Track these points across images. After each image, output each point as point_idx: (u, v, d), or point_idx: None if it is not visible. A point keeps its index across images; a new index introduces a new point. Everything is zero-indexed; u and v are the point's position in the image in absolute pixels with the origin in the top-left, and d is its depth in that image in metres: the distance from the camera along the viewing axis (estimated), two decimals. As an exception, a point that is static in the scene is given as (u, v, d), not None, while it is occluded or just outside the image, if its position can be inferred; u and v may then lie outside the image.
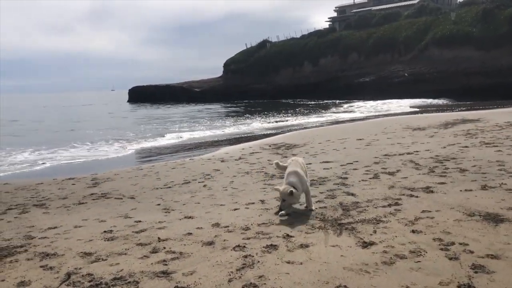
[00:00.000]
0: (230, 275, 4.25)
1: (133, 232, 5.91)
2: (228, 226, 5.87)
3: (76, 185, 10.30)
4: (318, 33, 75.31)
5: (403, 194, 7.01)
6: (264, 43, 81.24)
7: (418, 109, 34.31)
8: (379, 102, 45.24)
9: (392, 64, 57.73)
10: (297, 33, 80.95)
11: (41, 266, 4.75)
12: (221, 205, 7.22)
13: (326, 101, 55.51)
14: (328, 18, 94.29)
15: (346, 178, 8.71)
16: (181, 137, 23.62)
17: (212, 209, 6.95)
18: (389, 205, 6.41)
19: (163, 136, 24.13)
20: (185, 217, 6.54)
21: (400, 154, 11.05)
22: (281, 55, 73.71)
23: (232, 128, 27.96)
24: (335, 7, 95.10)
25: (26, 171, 14.48)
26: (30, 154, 18.64)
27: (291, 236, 5.30)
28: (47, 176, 12.33)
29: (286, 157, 12.53)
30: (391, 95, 49.06)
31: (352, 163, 10.34)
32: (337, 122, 27.84)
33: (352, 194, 7.28)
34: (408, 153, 11.10)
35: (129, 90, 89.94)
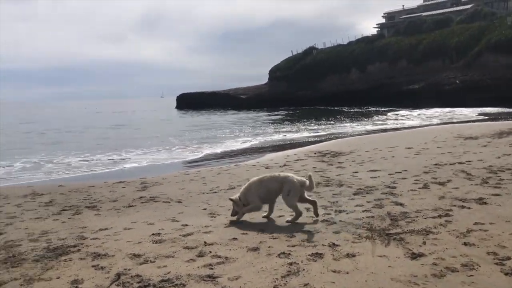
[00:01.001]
0: (275, 281, 4.24)
1: (180, 235, 6.03)
2: (273, 233, 5.87)
3: (126, 188, 10.63)
4: (366, 40, 74.28)
5: (454, 205, 6.75)
6: (310, 50, 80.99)
7: (473, 118, 33.05)
8: (429, 110, 43.86)
9: (442, 71, 55.94)
10: (344, 39, 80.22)
11: (92, 266, 4.93)
12: (265, 211, 7.21)
13: (373, 109, 54.52)
14: (376, 24, 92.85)
15: (395, 187, 8.50)
16: (227, 144, 23.91)
17: (257, 215, 6.96)
18: (440, 216, 6.20)
19: (210, 143, 24.53)
20: (231, 222, 6.60)
21: (451, 164, 10.67)
22: (328, 61, 73.17)
23: (276, 134, 28.00)
24: (384, 13, 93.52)
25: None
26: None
27: (337, 245, 5.23)
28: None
29: (331, 164, 12.41)
30: (441, 103, 47.36)
31: (400, 172, 10.09)
32: (384, 130, 27.28)
33: (401, 204, 7.09)
34: (460, 163, 10.70)
35: (177, 97, 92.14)
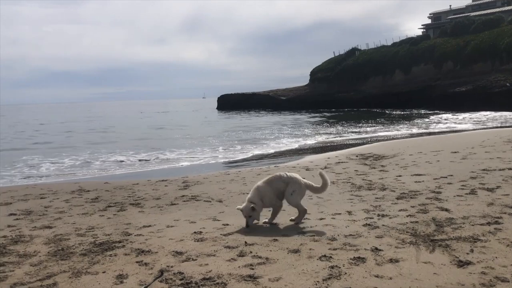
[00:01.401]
0: (316, 284, 4.21)
1: (221, 234, 6.09)
2: (314, 235, 5.82)
3: (168, 186, 10.84)
4: (410, 41, 72.55)
5: (504, 213, 6.47)
6: (353, 51, 79.98)
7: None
8: (476, 114, 42.32)
9: (492, 73, 53.74)
10: (388, 40, 78.72)
11: (136, 262, 5.05)
12: (306, 213, 7.17)
13: (416, 111, 53.14)
14: (422, 25, 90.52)
15: (440, 192, 8.24)
16: (266, 145, 23.96)
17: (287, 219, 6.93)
18: (488, 224, 5.96)
19: (251, 144, 24.64)
20: (271, 223, 6.60)
21: (500, 170, 10.24)
22: (371, 63, 72.00)
23: (316, 136, 27.79)
24: (430, 14, 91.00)
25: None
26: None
27: (379, 250, 5.12)
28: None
29: (374, 168, 12.19)
30: (489, 106, 45.52)
31: (446, 177, 9.78)
32: (428, 133, 26.54)
33: (446, 210, 6.87)
34: (510, 169, 10.25)
35: (218, 98, 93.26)
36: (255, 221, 6.45)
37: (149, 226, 6.78)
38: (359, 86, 71.04)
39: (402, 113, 52.41)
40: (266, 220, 6.62)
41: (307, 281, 4.29)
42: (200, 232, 6.24)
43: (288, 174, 6.77)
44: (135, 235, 6.21)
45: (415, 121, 38.38)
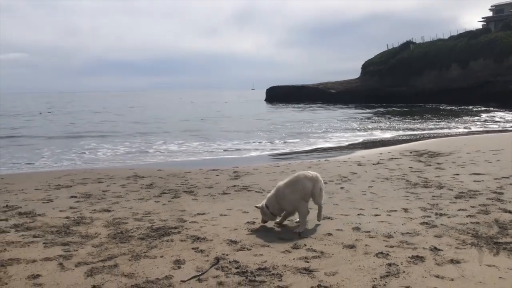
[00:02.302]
0: (373, 281, 4.13)
1: (274, 226, 6.10)
2: (369, 232, 5.71)
3: (219, 176, 10.97)
4: (469, 34, 69.29)
5: None
6: (407, 44, 77.46)
7: None
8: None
9: (559, 69, 50.56)
10: (445, 34, 75.54)
11: (192, 248, 5.15)
12: (360, 209, 7.06)
13: (473, 108, 50.87)
14: (482, 18, 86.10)
15: (502, 193, 7.87)
16: (316, 138, 23.76)
17: (351, 212, 6.83)
18: (558, 228, 5.62)
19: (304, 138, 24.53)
20: (324, 218, 6.53)
21: None
22: (426, 57, 69.42)
23: (368, 131, 27.21)
24: (491, 6, 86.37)
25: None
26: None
27: (439, 250, 4.95)
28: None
29: (429, 165, 11.81)
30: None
31: (508, 178, 9.32)
32: (486, 131, 25.36)
33: (510, 211, 6.56)
34: None
35: (267, 89, 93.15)
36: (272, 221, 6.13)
37: (203, 214, 6.89)
38: (413, 80, 68.81)
39: (458, 109, 50.36)
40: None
41: (364, 278, 4.21)
42: (253, 223, 6.29)
43: (312, 172, 6.26)
44: (190, 222, 6.34)
45: (472, 118, 36.75)
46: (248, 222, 6.29)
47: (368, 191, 8.62)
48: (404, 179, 9.84)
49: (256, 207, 6.22)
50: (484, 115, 39.43)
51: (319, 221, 6.20)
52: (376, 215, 6.63)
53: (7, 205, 7.56)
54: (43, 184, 10.06)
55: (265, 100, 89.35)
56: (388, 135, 25.15)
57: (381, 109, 54.67)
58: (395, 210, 6.88)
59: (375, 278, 4.19)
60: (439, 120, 34.67)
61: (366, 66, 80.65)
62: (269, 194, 6.10)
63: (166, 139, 23.23)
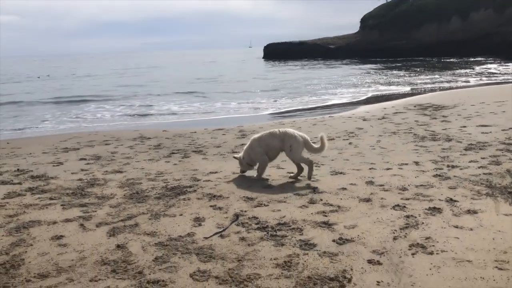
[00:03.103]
0: (394, 233, 4.18)
1: (288, 182, 6.14)
2: (383, 185, 5.75)
3: (226, 135, 10.96)
4: (470, -16, 67.62)
5: None
6: (407, -4, 75.83)
7: None
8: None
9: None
10: (445, -16, 73.68)
11: (210, 206, 5.20)
12: (371, 163, 7.09)
13: (474, 59, 50.32)
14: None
15: (511, 144, 7.88)
16: (318, 95, 23.62)
17: (363, 167, 6.86)
18: None
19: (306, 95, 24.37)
20: (336, 173, 6.57)
21: None
22: (426, 8, 68.19)
23: (370, 86, 27.01)
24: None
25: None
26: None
27: (455, 201, 5.00)
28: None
29: (435, 118, 11.79)
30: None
31: (516, 128, 9.32)
32: (489, 83, 25.18)
33: (521, 162, 6.58)
34: None
35: (264, 47, 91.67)
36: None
37: (216, 172, 6.92)
38: (412, 34, 67.77)
39: (459, 61, 49.82)
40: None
41: (384, 230, 4.27)
42: (267, 179, 6.32)
43: (281, 130, 6.42)
44: (203, 181, 6.37)
45: (474, 70, 36.41)
46: (262, 179, 6.34)
47: (376, 145, 8.63)
48: (411, 132, 9.84)
49: (234, 157, 6.74)
50: (490, 66, 39.06)
51: (309, 179, 6.14)
52: (387, 168, 6.67)
53: (18, 169, 7.58)
54: (50, 147, 10.04)
55: (263, 57, 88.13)
56: (390, 89, 25.01)
57: (381, 64, 54.06)
58: (406, 164, 6.91)
59: (395, 230, 4.24)
60: (441, 73, 34.37)
61: (366, 20, 79.22)
62: (245, 146, 6.62)
63: (164, 98, 23.22)
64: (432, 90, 23.01)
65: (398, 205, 4.92)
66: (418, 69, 40.12)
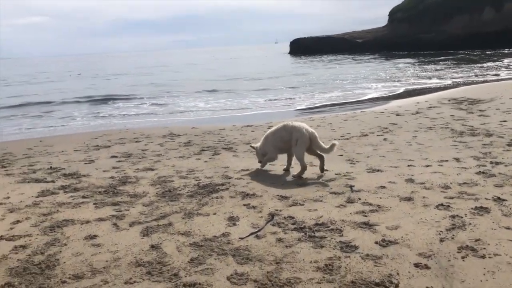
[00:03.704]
0: (440, 234, 3.94)
1: (323, 180, 5.94)
2: (424, 183, 5.48)
3: (255, 132, 10.82)
4: (504, -27, 65.31)
5: None
6: (437, -12, 73.81)
7: None
8: None
9: None
10: (478, -26, 71.41)
11: (244, 205, 5.05)
12: (409, 160, 6.81)
13: (508, 51, 48.60)
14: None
15: (558, 139, 7.47)
16: (350, 90, 23.24)
17: (400, 164, 6.59)
18: None
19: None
20: (373, 170, 6.32)
21: None
22: (457, 0, 66.15)
23: (401, 80, 26.41)
24: None
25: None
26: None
27: (503, 200, 4.71)
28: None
29: (471, 112, 11.35)
30: None
31: (561, 123, 8.85)
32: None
33: None
34: None
35: (290, 42, 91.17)
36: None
37: (247, 170, 6.78)
38: (443, 26, 65.98)
39: (493, 53, 48.23)
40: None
41: (429, 231, 4.03)
42: (300, 177, 6.14)
43: (293, 123, 6.39)
44: (235, 179, 6.23)
45: (508, 62, 35.15)
46: (293, 177, 6.16)
47: (413, 141, 8.33)
48: (448, 128, 9.47)
49: (251, 146, 7.03)
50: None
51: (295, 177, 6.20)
52: (427, 165, 6.38)
53: (51, 167, 7.62)
54: (81, 145, 10.12)
55: (289, 53, 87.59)
56: (422, 82, 24.38)
57: (410, 57, 52.83)
58: (446, 160, 6.61)
59: (441, 231, 4.00)
60: (474, 66, 33.32)
61: (394, 13, 77.73)
62: (262, 137, 6.81)
63: (190, 95, 23.31)
64: (465, 83, 22.29)
65: (442, 204, 4.66)
66: (450, 63, 39.05)
